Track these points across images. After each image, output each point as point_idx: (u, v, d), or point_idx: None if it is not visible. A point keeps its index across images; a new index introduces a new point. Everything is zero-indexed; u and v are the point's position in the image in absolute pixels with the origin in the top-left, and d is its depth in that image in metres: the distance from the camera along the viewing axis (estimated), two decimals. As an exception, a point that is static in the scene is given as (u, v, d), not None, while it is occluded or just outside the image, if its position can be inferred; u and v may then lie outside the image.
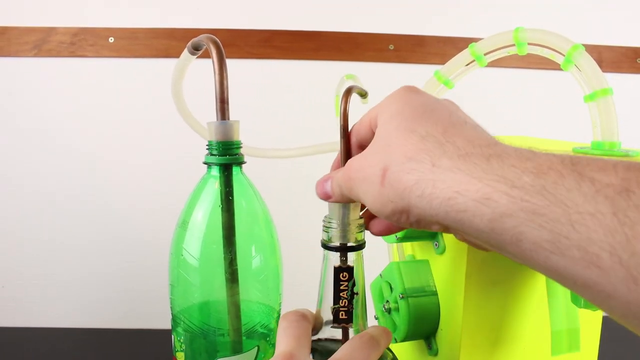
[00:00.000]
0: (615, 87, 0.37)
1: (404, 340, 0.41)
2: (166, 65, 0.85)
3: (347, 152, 0.33)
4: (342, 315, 0.32)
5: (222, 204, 0.39)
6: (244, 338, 0.41)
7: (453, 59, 0.46)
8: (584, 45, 0.37)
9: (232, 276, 0.39)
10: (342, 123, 0.33)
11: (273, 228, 0.43)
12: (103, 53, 0.86)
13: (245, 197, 0.41)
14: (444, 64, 0.46)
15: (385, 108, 0.28)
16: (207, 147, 0.40)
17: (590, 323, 0.42)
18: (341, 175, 0.30)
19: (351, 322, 0.32)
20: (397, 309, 0.41)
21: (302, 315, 0.32)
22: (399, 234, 0.41)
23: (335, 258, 0.32)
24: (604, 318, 0.43)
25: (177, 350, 0.42)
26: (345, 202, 0.32)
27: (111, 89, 0.87)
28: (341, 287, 0.32)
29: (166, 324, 0.44)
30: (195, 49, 0.43)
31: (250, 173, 0.42)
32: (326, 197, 0.32)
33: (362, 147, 0.31)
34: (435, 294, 0.41)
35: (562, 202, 0.20)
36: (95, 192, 0.89)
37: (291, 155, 0.54)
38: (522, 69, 0.91)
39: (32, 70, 0.86)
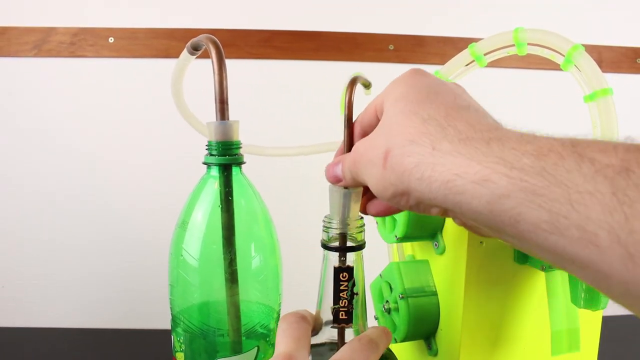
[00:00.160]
0: (615, 87, 0.37)
1: (403, 340, 0.41)
2: (166, 65, 0.85)
3: (351, 142, 0.33)
4: (342, 315, 0.32)
5: (221, 204, 0.39)
6: (243, 338, 0.41)
7: (453, 59, 0.46)
8: (583, 45, 0.37)
9: (232, 276, 0.39)
10: (346, 112, 0.33)
11: (273, 228, 0.43)
12: (103, 53, 0.86)
13: (244, 197, 0.41)
14: (443, 64, 0.46)
15: (391, 92, 0.29)
16: (206, 147, 0.40)
17: (590, 323, 0.42)
18: (350, 159, 0.30)
19: (351, 322, 0.32)
20: (397, 309, 0.41)
21: (302, 317, 0.32)
22: (399, 234, 0.41)
23: (335, 258, 0.32)
24: (604, 318, 0.43)
25: (177, 351, 0.42)
26: (355, 185, 0.31)
27: (111, 89, 0.87)
28: (341, 288, 0.32)
29: (166, 324, 0.44)
30: (195, 49, 0.43)
31: (249, 173, 0.42)
32: (336, 181, 0.32)
33: (367, 135, 0.31)
34: (435, 294, 0.41)
35: (561, 183, 0.20)
36: (95, 192, 0.89)
37: (288, 154, 0.54)
38: (522, 69, 0.91)
39: (32, 70, 0.86)
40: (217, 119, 0.39)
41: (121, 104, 0.88)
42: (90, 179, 0.89)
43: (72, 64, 0.86)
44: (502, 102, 0.91)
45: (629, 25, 0.94)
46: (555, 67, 0.40)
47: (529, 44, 0.40)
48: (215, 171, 0.40)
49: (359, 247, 0.33)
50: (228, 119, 0.40)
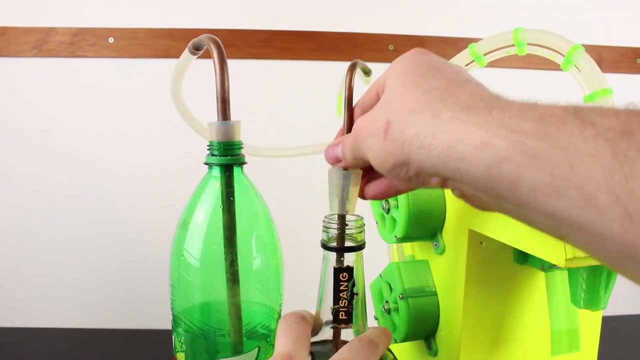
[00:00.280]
0: (615, 87, 0.37)
1: (403, 340, 0.41)
2: (166, 65, 0.85)
3: (351, 124, 0.33)
4: (342, 315, 0.32)
5: (223, 204, 0.39)
6: (244, 339, 0.41)
7: (453, 59, 0.46)
8: (583, 45, 0.37)
9: (233, 277, 0.39)
10: (346, 94, 0.33)
11: (274, 228, 0.43)
12: (103, 53, 0.86)
13: (246, 197, 0.41)
14: (443, 64, 0.46)
15: (392, 70, 0.29)
16: (208, 147, 0.40)
17: (590, 323, 0.42)
18: (350, 137, 0.30)
19: (351, 322, 0.32)
20: (396, 310, 0.41)
21: (302, 317, 0.32)
22: (399, 234, 0.41)
23: (334, 258, 0.32)
24: (604, 318, 0.43)
25: (178, 351, 0.42)
26: (354, 166, 0.31)
27: (111, 89, 0.87)
28: (341, 288, 0.32)
29: (166, 324, 0.44)
30: (196, 49, 0.43)
31: (250, 173, 0.43)
32: (336, 161, 0.32)
33: None
34: (434, 294, 0.41)
35: (562, 146, 0.20)
36: (95, 192, 0.89)
37: (288, 154, 0.54)
38: (522, 69, 0.91)
39: (32, 70, 0.86)
40: (218, 119, 0.39)
41: (121, 104, 0.88)
42: (90, 179, 0.89)
43: (72, 64, 0.86)
44: (502, 102, 0.91)
45: (629, 25, 0.94)
46: (555, 67, 0.40)
47: (528, 44, 0.40)
48: (216, 171, 0.40)
49: (359, 247, 0.33)
50: (229, 119, 0.40)
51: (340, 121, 0.35)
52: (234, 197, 0.39)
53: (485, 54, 0.44)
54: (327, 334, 0.33)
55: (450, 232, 0.40)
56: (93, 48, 0.86)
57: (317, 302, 0.33)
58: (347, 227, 0.32)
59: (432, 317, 0.41)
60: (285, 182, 0.89)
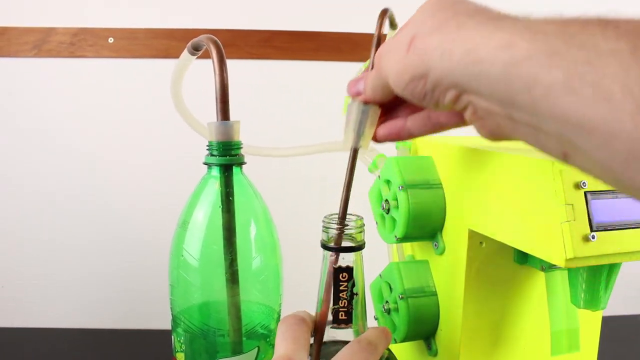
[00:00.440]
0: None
1: (403, 340, 0.41)
2: (166, 65, 0.85)
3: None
4: (341, 315, 0.32)
5: (222, 204, 0.39)
6: (244, 339, 0.41)
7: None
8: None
9: (233, 277, 0.39)
10: (376, 34, 0.35)
11: (273, 228, 0.43)
12: (103, 53, 0.86)
13: (245, 197, 0.41)
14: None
15: (418, 9, 0.29)
16: (207, 147, 0.40)
17: (590, 323, 0.42)
18: (373, 71, 0.31)
19: (351, 322, 0.32)
20: (396, 310, 0.41)
21: (301, 319, 0.32)
22: (399, 234, 0.41)
23: (334, 258, 0.32)
24: (604, 318, 0.43)
25: (177, 351, 0.42)
26: (373, 99, 0.32)
27: (111, 89, 0.87)
28: (341, 288, 0.32)
29: (166, 324, 0.44)
30: (196, 49, 0.43)
31: (250, 173, 0.43)
32: (356, 94, 0.33)
33: None
34: (434, 294, 0.41)
35: (582, 45, 0.20)
36: (95, 192, 0.89)
37: (286, 154, 0.54)
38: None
39: (32, 70, 0.86)
40: (218, 119, 0.39)
41: (121, 104, 0.88)
42: (90, 179, 0.89)
43: (72, 64, 0.86)
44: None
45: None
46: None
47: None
48: (216, 171, 0.40)
49: (359, 247, 0.33)
50: (229, 119, 0.40)
51: (340, 121, 0.35)
52: (233, 197, 0.39)
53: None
54: (327, 334, 0.33)
55: (450, 232, 0.40)
56: (93, 48, 0.86)
57: (317, 302, 0.33)
58: (347, 227, 0.32)
59: (432, 317, 0.41)
60: (285, 182, 0.89)
